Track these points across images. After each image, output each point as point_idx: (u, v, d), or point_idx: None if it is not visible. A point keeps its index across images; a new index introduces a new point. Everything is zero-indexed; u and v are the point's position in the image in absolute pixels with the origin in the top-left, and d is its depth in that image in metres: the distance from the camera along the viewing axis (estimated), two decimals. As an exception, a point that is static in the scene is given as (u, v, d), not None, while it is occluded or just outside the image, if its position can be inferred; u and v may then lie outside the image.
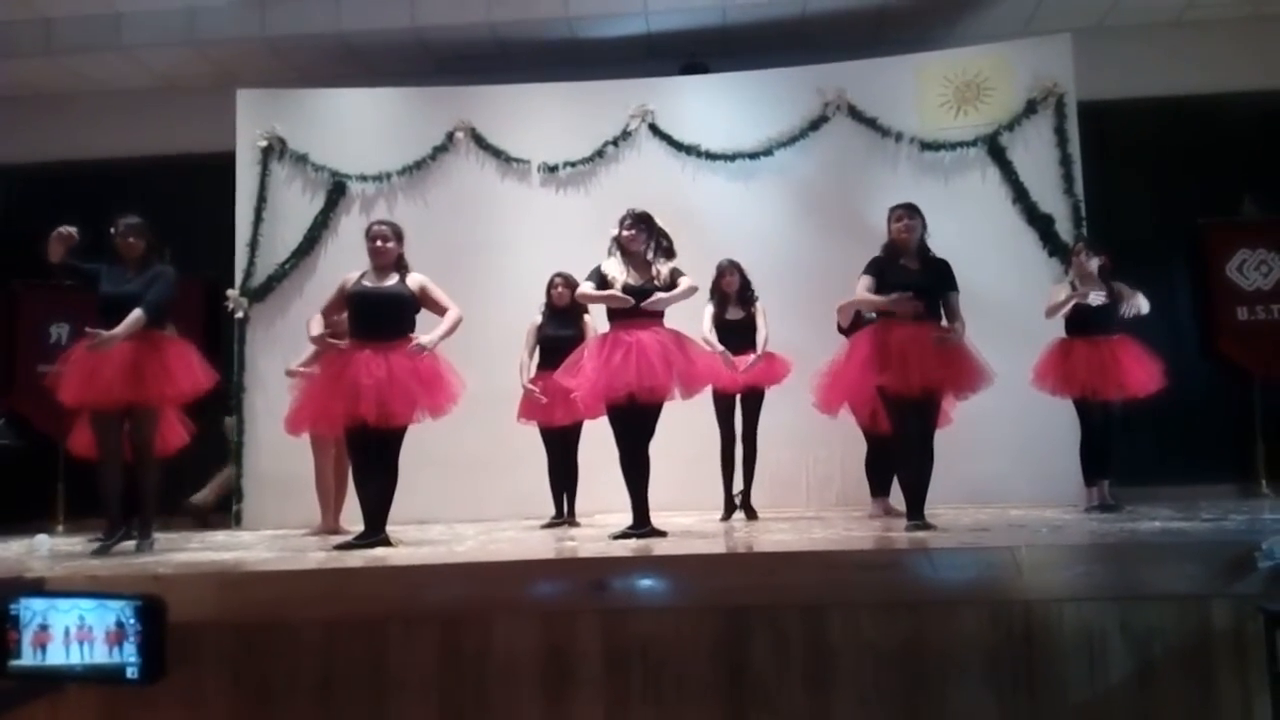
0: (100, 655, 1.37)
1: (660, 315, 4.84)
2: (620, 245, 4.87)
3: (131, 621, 1.37)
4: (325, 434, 5.69)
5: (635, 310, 4.73)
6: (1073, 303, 5.70)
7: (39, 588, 1.45)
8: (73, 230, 4.82)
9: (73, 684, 1.46)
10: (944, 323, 4.81)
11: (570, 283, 5.87)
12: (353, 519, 5.52)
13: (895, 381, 4.61)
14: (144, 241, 5.01)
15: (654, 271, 4.82)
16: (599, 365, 4.68)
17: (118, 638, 1.37)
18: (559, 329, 5.92)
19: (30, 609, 1.38)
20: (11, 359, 8.19)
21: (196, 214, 8.18)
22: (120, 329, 4.72)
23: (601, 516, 6.02)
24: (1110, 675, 3.23)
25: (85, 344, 4.74)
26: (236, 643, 3.36)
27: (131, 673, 1.38)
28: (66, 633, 1.37)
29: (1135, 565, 3.43)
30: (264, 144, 7.84)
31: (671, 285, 4.79)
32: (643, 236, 4.85)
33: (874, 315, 5.12)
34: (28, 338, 8.18)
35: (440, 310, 4.85)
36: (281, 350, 6.94)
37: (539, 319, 6.10)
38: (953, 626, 3.29)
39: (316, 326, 5.01)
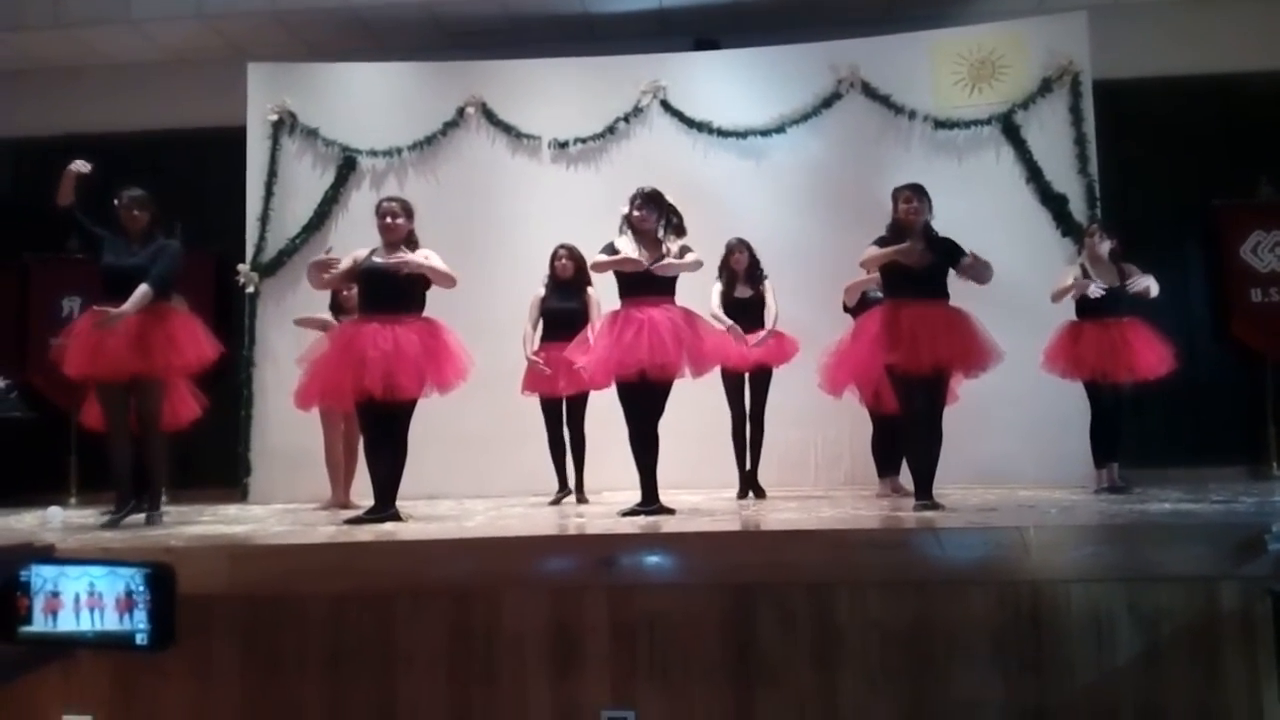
0: (110, 622, 1.38)
1: (671, 291, 4.83)
2: (631, 225, 4.86)
3: (141, 589, 1.37)
4: (334, 408, 5.71)
5: (646, 286, 4.74)
6: (1073, 292, 5.69)
7: (48, 555, 1.46)
8: (85, 164, 4.80)
9: (83, 650, 1.47)
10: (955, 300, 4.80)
11: (574, 254, 5.89)
12: (363, 494, 5.55)
13: (905, 359, 4.59)
14: (148, 214, 5.00)
15: (664, 249, 4.81)
16: (611, 342, 4.69)
17: (128, 605, 1.38)
18: (562, 301, 5.94)
19: (41, 575, 1.39)
20: (23, 332, 8.23)
21: (207, 188, 8.19)
22: (128, 305, 4.73)
23: (610, 494, 6.03)
24: (1118, 656, 3.23)
25: (93, 322, 4.75)
26: (247, 615, 3.39)
27: (141, 639, 1.39)
28: (77, 599, 1.38)
29: (1144, 547, 3.42)
30: (274, 118, 7.83)
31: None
32: (653, 216, 4.85)
33: (880, 294, 5.11)
34: (39, 311, 8.21)
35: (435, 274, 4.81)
36: (292, 325, 6.95)
37: (542, 291, 6.10)
38: (960, 606, 3.29)
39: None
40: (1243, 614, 3.20)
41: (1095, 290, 5.61)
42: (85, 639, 1.40)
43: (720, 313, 5.95)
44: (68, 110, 8.54)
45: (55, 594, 1.40)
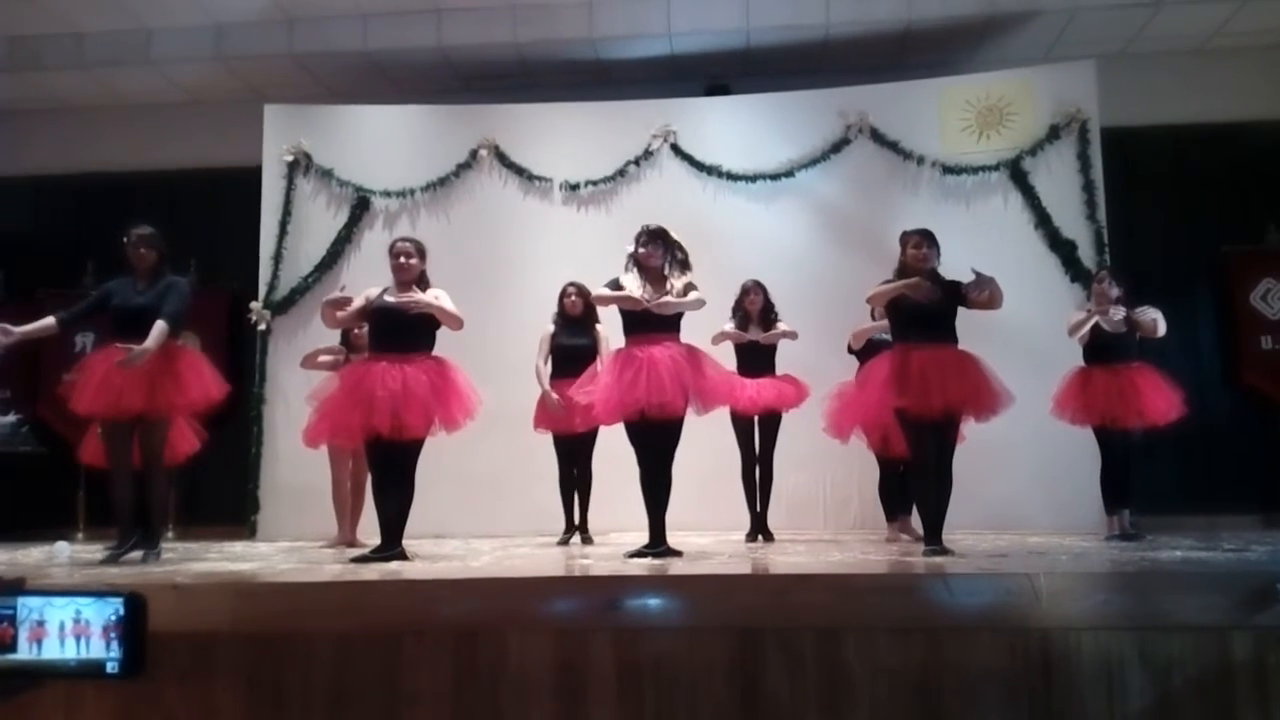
0: (78, 650, 1.40)
1: (675, 329, 4.83)
2: (637, 262, 4.88)
3: (115, 617, 1.39)
4: (343, 446, 5.72)
5: (649, 323, 4.73)
6: (1093, 322, 5.67)
7: (20, 587, 1.47)
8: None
9: (52, 680, 1.48)
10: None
11: (583, 292, 5.92)
12: (369, 532, 5.53)
13: (916, 404, 4.57)
14: (155, 252, 5.02)
15: (669, 286, 4.82)
16: (611, 382, 4.69)
17: (102, 634, 1.39)
18: (572, 338, 5.96)
19: (28, 605, 1.40)
20: (38, 367, 8.27)
21: (222, 227, 8.30)
22: (150, 343, 4.73)
23: (617, 535, 6.01)
24: (1129, 706, 3.19)
25: (116, 361, 4.74)
26: (251, 652, 3.37)
27: (112, 668, 1.40)
28: (62, 628, 1.40)
29: (1155, 595, 3.39)
30: (290, 158, 7.94)
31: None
32: (659, 252, 4.86)
33: (888, 337, 5.11)
34: (53, 347, 8.22)
35: (442, 314, 4.85)
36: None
37: (552, 328, 6.12)
38: (969, 653, 3.25)
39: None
40: (1255, 664, 3.16)
41: (1116, 312, 5.61)
42: (60, 669, 1.41)
43: (729, 328, 6.04)
44: (86, 149, 8.68)
45: (40, 623, 1.42)
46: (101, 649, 1.40)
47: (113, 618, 1.40)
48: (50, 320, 4.95)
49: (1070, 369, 5.83)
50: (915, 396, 4.58)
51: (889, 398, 4.71)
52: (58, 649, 1.41)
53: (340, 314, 4.87)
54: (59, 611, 1.41)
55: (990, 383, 4.69)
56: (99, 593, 1.41)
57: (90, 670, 1.40)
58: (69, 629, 1.41)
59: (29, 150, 8.75)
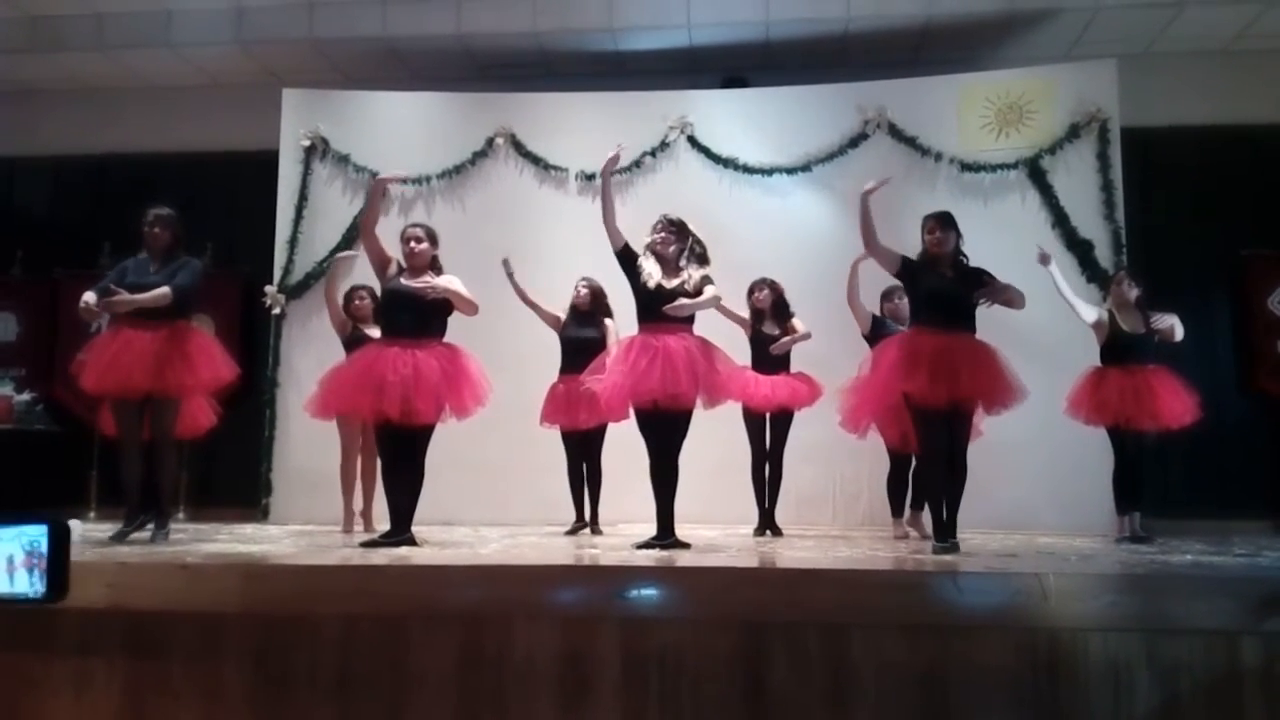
0: (13, 582, 1.41)
1: (689, 321, 4.82)
2: (653, 250, 4.87)
3: (40, 544, 1.40)
4: (352, 421, 5.72)
5: (661, 314, 4.71)
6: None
7: None
8: None
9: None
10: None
11: (592, 285, 5.99)
12: (379, 518, 5.56)
13: (922, 389, 4.49)
14: (170, 233, 5.02)
15: (684, 277, 4.80)
16: (625, 369, 4.67)
17: (28, 562, 1.41)
18: (581, 330, 5.98)
19: None
20: (53, 346, 8.33)
21: (238, 210, 8.33)
22: (144, 296, 4.75)
23: (626, 526, 6.02)
24: (1135, 708, 3.18)
25: (104, 299, 4.75)
26: (259, 634, 3.39)
27: (36, 592, 1.41)
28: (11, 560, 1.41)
29: (1164, 597, 3.37)
30: (307, 143, 7.96)
31: (699, 292, 4.76)
32: (673, 238, 4.85)
33: (901, 327, 5.08)
34: (68, 326, 8.30)
35: (459, 299, 4.85)
36: (316, 348, 7.02)
37: (563, 316, 6.18)
38: (976, 652, 3.24)
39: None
40: (1264, 670, 3.15)
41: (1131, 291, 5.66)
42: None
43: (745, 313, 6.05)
44: (105, 130, 8.71)
45: None
46: (23, 579, 1.41)
47: (35, 545, 1.41)
48: (93, 295, 4.89)
49: (1086, 369, 5.80)
50: (922, 381, 4.50)
51: (895, 381, 4.65)
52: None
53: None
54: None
55: (1003, 375, 4.64)
56: (19, 520, 1.42)
57: (11, 597, 1.42)
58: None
59: (48, 130, 8.78)
